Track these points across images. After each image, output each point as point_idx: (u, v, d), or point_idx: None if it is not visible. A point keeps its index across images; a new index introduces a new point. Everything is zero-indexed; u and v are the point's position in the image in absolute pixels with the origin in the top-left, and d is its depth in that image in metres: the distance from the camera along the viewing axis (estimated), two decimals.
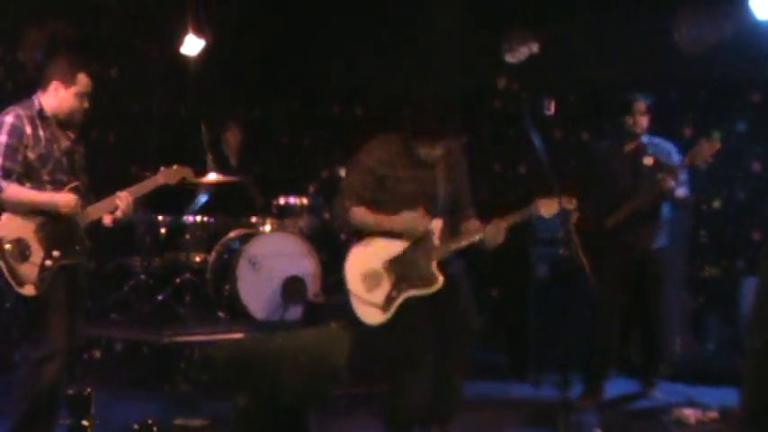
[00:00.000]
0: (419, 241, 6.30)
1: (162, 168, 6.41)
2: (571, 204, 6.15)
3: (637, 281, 7.77)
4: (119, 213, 6.04)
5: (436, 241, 6.31)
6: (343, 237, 9.48)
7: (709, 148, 7.31)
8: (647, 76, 9.63)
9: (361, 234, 6.45)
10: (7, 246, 5.64)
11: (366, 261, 6.33)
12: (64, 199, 5.83)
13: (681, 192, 7.58)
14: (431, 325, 6.28)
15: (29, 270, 5.70)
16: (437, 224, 6.33)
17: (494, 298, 10.52)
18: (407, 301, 6.25)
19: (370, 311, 6.26)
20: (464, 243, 6.35)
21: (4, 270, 5.62)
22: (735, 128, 9.61)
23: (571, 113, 10.25)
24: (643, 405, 7.74)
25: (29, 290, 5.69)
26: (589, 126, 10.25)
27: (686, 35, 9.42)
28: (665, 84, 9.81)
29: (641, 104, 7.73)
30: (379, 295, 6.26)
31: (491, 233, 6.23)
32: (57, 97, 5.93)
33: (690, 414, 7.23)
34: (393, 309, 6.23)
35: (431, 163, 6.35)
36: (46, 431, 5.97)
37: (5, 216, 5.70)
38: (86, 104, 6.07)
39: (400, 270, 6.28)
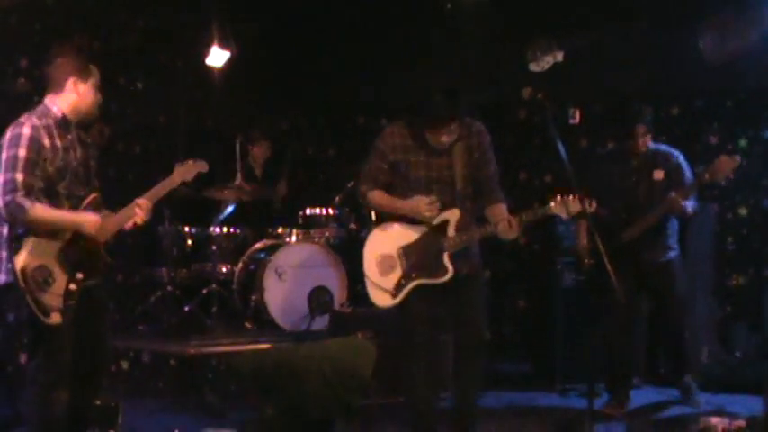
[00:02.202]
0: (433, 230, 6.33)
1: (176, 165, 6.16)
2: (593, 207, 6.13)
3: (650, 293, 7.82)
4: (138, 220, 5.86)
5: (451, 232, 6.31)
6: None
7: (728, 164, 7.30)
8: (673, 86, 9.63)
9: (381, 218, 6.61)
10: (31, 275, 5.44)
11: (382, 245, 6.45)
12: (88, 219, 5.66)
13: (690, 207, 7.61)
14: (439, 316, 6.40)
15: (53, 298, 5.50)
16: (454, 214, 6.32)
17: (520, 308, 10.53)
18: (416, 288, 6.32)
19: (381, 295, 6.39)
20: (477, 236, 6.35)
21: (30, 301, 5.42)
22: (760, 136, 9.59)
23: (596, 122, 10.25)
24: (670, 414, 7.72)
25: (55, 318, 5.50)
26: (614, 135, 10.23)
27: (711, 45, 9.40)
28: (691, 93, 9.81)
29: (641, 128, 7.73)
30: (391, 281, 6.36)
31: (503, 228, 6.18)
32: (78, 93, 5.72)
33: (717, 423, 7.17)
34: (402, 295, 6.32)
35: (444, 149, 6.33)
36: None
37: (26, 243, 5.47)
38: (100, 99, 5.86)
39: (412, 258, 6.36)
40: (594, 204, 6.16)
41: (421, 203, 6.27)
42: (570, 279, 8.77)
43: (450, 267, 6.28)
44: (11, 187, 5.42)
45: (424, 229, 6.37)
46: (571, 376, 8.53)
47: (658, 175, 7.73)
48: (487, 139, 6.50)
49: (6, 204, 5.41)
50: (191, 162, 6.22)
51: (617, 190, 7.78)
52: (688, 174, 7.76)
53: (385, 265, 6.41)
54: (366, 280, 6.46)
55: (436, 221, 6.33)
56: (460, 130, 6.32)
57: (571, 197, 6.09)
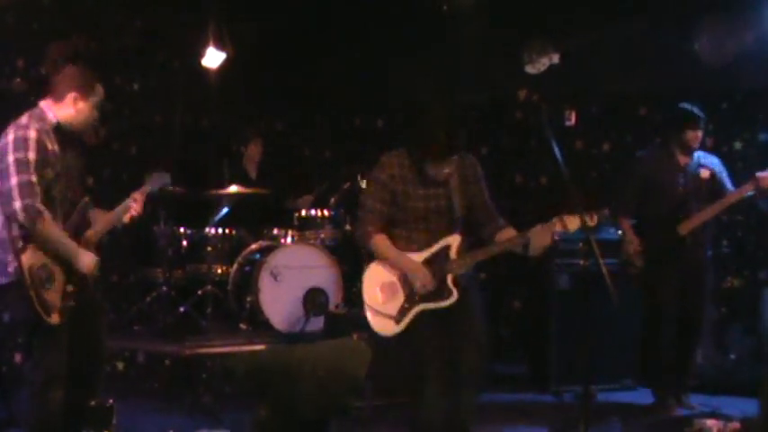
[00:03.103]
0: (435, 255, 6.21)
1: (145, 176, 6.28)
2: (593, 221, 6.09)
3: (689, 289, 7.93)
4: (134, 212, 6.00)
5: (453, 256, 6.19)
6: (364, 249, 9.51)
7: None
8: (669, 88, 9.64)
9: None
10: (36, 273, 5.46)
11: (383, 272, 6.27)
12: (86, 260, 5.66)
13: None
14: (443, 338, 6.18)
15: (54, 297, 5.55)
16: (455, 239, 6.22)
17: (515, 310, 10.53)
18: (420, 313, 6.17)
19: (384, 323, 6.20)
20: (482, 257, 6.26)
21: (35, 300, 5.42)
22: (756, 138, 9.59)
23: (592, 124, 10.26)
24: (664, 416, 7.71)
25: (55, 318, 5.54)
26: (610, 137, 10.25)
27: (707, 47, 9.42)
28: (687, 95, 9.81)
29: (703, 126, 7.96)
30: (394, 307, 6.19)
31: (538, 233, 6.06)
32: (75, 109, 5.74)
33: (712, 425, 7.20)
34: (406, 321, 6.16)
35: (442, 180, 6.22)
36: None
37: (30, 245, 5.48)
38: (98, 116, 5.92)
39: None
40: (596, 217, 6.12)
41: (419, 276, 6.15)
42: (565, 280, 8.77)
43: (455, 291, 6.17)
44: (29, 191, 5.43)
45: (425, 255, 6.23)
46: (566, 378, 8.54)
47: (705, 174, 7.96)
48: (480, 170, 6.43)
49: (26, 207, 5.41)
50: (155, 174, 6.32)
51: (665, 186, 7.95)
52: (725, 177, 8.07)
53: (387, 291, 6.23)
54: (367, 309, 6.24)
55: (437, 248, 6.23)
56: (457, 161, 6.19)
57: (572, 214, 6.01)
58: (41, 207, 5.43)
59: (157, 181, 6.34)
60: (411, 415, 6.36)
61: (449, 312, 6.19)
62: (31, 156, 5.48)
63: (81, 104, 5.76)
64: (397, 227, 6.30)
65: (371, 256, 6.37)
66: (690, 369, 8.07)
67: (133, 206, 6.00)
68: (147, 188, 6.19)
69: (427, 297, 6.17)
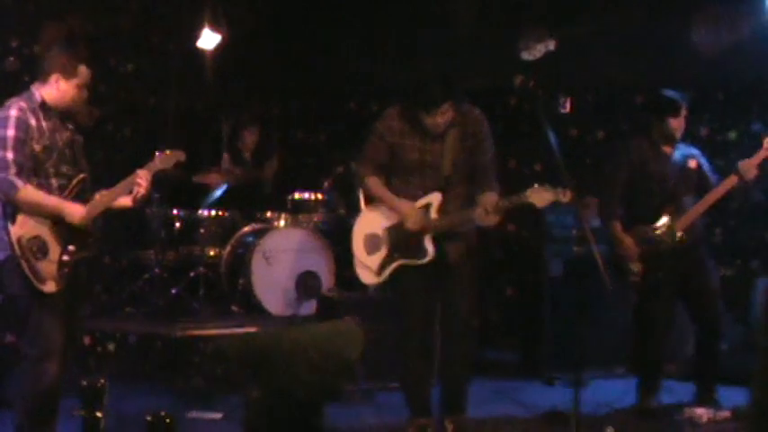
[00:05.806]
0: (417, 213, 6.38)
1: (157, 154, 6.20)
2: (566, 197, 6.09)
3: (695, 288, 7.62)
4: (141, 190, 5.96)
5: (433, 215, 6.39)
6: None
7: None
8: (664, 77, 9.65)
9: (370, 200, 6.81)
10: (27, 245, 5.64)
11: (370, 225, 6.67)
12: (73, 210, 5.80)
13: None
14: (425, 294, 6.50)
15: (48, 267, 5.72)
16: (436, 198, 6.40)
17: (508, 296, 10.54)
18: (400, 268, 6.50)
19: (366, 273, 6.68)
20: (457, 220, 6.40)
21: (26, 269, 5.62)
22: (750, 129, 9.59)
23: (587, 112, 10.25)
24: (655, 404, 7.70)
25: (50, 286, 5.71)
26: (605, 125, 10.25)
27: (704, 36, 9.41)
28: (682, 84, 9.81)
29: (685, 108, 7.56)
30: (375, 260, 6.59)
31: (480, 214, 6.21)
32: (58, 89, 5.88)
33: (702, 413, 7.22)
34: (385, 274, 6.55)
35: (438, 133, 6.39)
36: (51, 429, 5.98)
37: (21, 215, 5.67)
38: (86, 96, 6.05)
39: (395, 238, 6.50)
40: (569, 194, 6.09)
41: (409, 214, 6.40)
42: (558, 267, 8.77)
43: (431, 250, 6.38)
44: (2, 165, 5.62)
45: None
46: (558, 365, 8.54)
47: (693, 164, 7.58)
48: (485, 126, 6.56)
49: None
50: (168, 152, 6.26)
51: (655, 180, 7.52)
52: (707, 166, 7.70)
53: (371, 244, 6.63)
54: (354, 259, 6.71)
55: (419, 204, 6.41)
56: (456, 115, 6.37)
57: (546, 186, 6.10)
58: (14, 178, 5.61)
59: (169, 159, 6.24)
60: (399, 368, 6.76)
61: (432, 270, 6.43)
62: (10, 133, 5.67)
63: (63, 85, 5.90)
64: (395, 177, 6.56)
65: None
66: (715, 370, 7.78)
67: (139, 183, 5.98)
68: (155, 166, 6.13)
69: (405, 253, 6.47)
